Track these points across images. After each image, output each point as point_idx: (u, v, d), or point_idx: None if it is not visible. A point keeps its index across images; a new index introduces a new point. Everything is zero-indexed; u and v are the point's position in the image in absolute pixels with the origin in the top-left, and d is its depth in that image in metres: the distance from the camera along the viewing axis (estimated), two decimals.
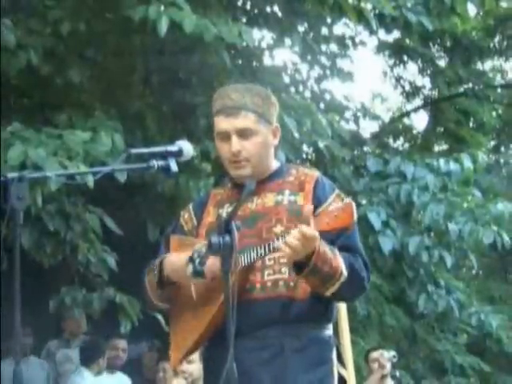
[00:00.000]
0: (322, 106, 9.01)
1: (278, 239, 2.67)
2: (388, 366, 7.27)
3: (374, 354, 7.44)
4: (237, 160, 2.85)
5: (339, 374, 2.87)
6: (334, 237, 2.77)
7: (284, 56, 17.97)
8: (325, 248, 2.67)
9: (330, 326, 2.88)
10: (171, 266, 2.81)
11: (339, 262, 2.71)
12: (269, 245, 2.69)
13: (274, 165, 2.96)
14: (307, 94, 9.31)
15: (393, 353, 7.36)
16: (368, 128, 12.72)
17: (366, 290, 2.87)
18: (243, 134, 2.83)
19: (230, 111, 2.83)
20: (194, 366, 5.33)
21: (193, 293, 2.79)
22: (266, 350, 2.76)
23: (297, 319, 2.77)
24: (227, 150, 2.85)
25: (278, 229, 2.79)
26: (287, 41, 8.87)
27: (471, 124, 14.00)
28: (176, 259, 2.79)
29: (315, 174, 2.94)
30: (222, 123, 2.85)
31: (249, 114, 2.84)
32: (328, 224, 2.60)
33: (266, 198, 2.87)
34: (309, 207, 2.69)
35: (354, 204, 2.59)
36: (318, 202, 2.82)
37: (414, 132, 15.05)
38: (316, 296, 2.78)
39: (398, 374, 7.77)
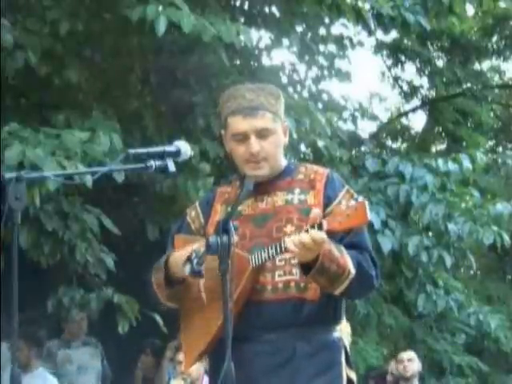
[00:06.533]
0: (320, 106, 8.99)
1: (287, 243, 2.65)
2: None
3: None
4: (255, 160, 2.83)
5: (348, 377, 2.85)
6: (343, 234, 2.75)
7: (282, 56, 17.95)
8: (331, 247, 2.65)
9: (338, 328, 2.86)
10: (175, 263, 2.79)
11: (346, 260, 2.69)
12: (280, 245, 2.67)
13: (283, 163, 2.94)
14: (305, 94, 9.31)
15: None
16: (366, 128, 12.75)
17: (375, 287, 2.85)
18: (262, 134, 2.81)
19: (247, 112, 2.81)
20: (193, 367, 5.33)
21: (203, 296, 2.79)
22: (277, 354, 2.74)
23: (308, 321, 2.75)
24: (244, 150, 2.82)
25: (289, 228, 2.77)
26: (285, 41, 8.87)
27: (469, 124, 14.02)
28: (178, 256, 2.77)
29: (325, 171, 2.92)
30: (239, 124, 2.82)
31: (266, 114, 2.82)
32: (340, 223, 2.57)
33: (276, 196, 2.86)
34: (314, 211, 2.66)
35: (367, 203, 2.54)
36: (328, 200, 2.81)
37: (412, 132, 15.07)
38: (326, 297, 2.76)
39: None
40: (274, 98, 2.88)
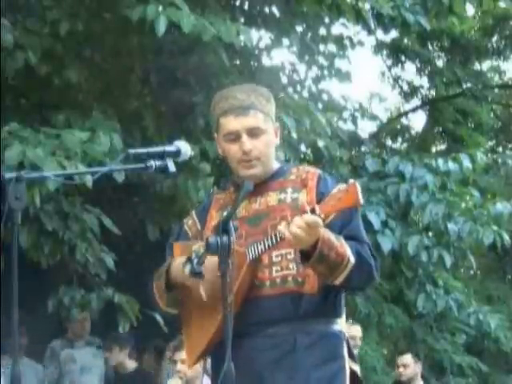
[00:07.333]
0: (320, 106, 9.00)
1: (281, 230, 2.66)
2: None
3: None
4: (248, 159, 2.85)
5: (351, 370, 2.86)
6: (339, 226, 2.77)
7: (282, 56, 17.94)
8: (330, 235, 2.67)
9: (339, 321, 2.87)
10: (176, 267, 2.81)
11: (346, 249, 2.70)
12: (275, 235, 2.69)
13: (275, 165, 2.97)
14: (305, 94, 9.31)
15: None
16: (366, 128, 12.74)
17: (376, 279, 2.86)
18: (253, 132, 2.84)
19: (239, 111, 2.83)
20: None
21: (202, 294, 2.79)
22: (277, 348, 2.76)
23: (307, 315, 2.77)
24: (237, 149, 2.85)
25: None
26: (285, 41, 8.87)
27: (469, 124, 14.03)
28: (179, 261, 2.79)
29: (317, 171, 2.94)
30: (231, 123, 2.84)
31: (257, 113, 2.85)
32: (333, 206, 2.59)
33: (269, 196, 2.88)
34: (302, 200, 2.71)
35: (357, 184, 2.56)
36: (321, 197, 2.80)
37: (412, 132, 15.08)
38: (325, 290, 2.78)
39: None
40: (265, 99, 2.91)
